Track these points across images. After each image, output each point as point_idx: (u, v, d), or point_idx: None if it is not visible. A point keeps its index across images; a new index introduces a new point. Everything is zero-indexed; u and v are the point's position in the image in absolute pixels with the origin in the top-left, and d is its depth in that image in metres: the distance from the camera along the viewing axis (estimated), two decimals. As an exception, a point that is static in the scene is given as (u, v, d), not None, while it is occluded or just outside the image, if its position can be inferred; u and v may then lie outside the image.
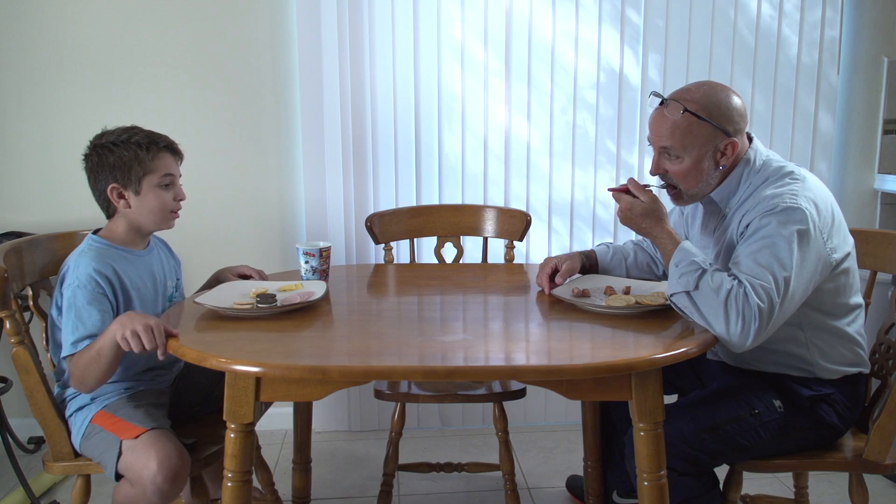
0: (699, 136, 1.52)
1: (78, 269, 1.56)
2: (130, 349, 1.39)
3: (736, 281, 1.39)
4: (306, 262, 1.81)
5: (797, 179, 1.51)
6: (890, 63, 2.77)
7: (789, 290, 1.39)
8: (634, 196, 1.57)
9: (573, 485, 2.29)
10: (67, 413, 1.61)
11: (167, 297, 1.76)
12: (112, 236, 1.66)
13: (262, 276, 1.88)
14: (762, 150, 1.60)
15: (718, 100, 1.53)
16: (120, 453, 1.48)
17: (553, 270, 1.76)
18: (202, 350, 1.30)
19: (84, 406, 1.59)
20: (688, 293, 1.40)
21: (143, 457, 1.45)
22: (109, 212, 1.67)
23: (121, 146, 1.60)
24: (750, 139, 1.61)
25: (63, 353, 1.52)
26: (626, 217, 1.58)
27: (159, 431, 1.50)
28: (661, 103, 1.56)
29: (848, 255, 1.54)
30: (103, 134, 1.65)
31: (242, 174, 2.61)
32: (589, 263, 1.86)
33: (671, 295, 1.46)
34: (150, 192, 1.63)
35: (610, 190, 1.64)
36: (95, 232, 1.68)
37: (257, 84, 2.57)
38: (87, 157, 1.64)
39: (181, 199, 1.70)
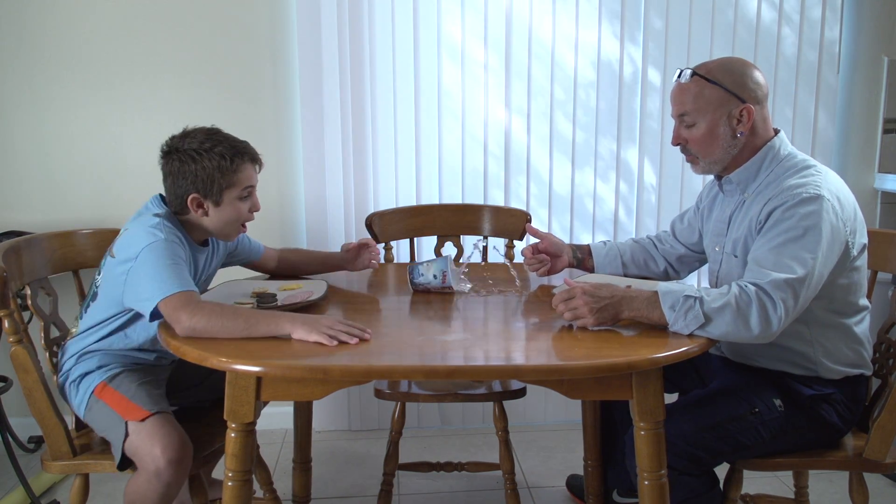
0: (711, 99, 1.54)
1: (157, 235, 1.48)
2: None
3: (733, 286, 1.40)
4: (433, 274, 1.77)
5: (820, 172, 1.53)
6: (890, 63, 2.77)
7: (813, 278, 1.41)
8: (572, 294, 1.44)
9: (573, 484, 2.29)
10: (67, 382, 1.59)
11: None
12: (180, 223, 1.60)
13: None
14: (788, 143, 1.61)
15: (732, 67, 1.56)
16: (126, 434, 1.48)
17: (534, 250, 1.85)
18: (203, 349, 1.30)
19: (88, 373, 1.58)
20: (701, 326, 1.38)
21: (148, 442, 1.46)
22: (181, 210, 1.61)
23: (204, 155, 1.54)
24: (776, 132, 1.61)
25: (168, 292, 1.40)
26: (590, 303, 1.42)
27: (163, 416, 1.51)
28: (679, 75, 1.60)
29: (863, 251, 1.56)
30: (185, 135, 1.57)
31: (242, 173, 2.61)
32: (582, 256, 1.89)
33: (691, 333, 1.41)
34: (229, 204, 1.59)
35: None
36: (162, 202, 1.60)
37: (257, 84, 2.57)
38: (167, 158, 1.57)
39: (256, 210, 1.65)
